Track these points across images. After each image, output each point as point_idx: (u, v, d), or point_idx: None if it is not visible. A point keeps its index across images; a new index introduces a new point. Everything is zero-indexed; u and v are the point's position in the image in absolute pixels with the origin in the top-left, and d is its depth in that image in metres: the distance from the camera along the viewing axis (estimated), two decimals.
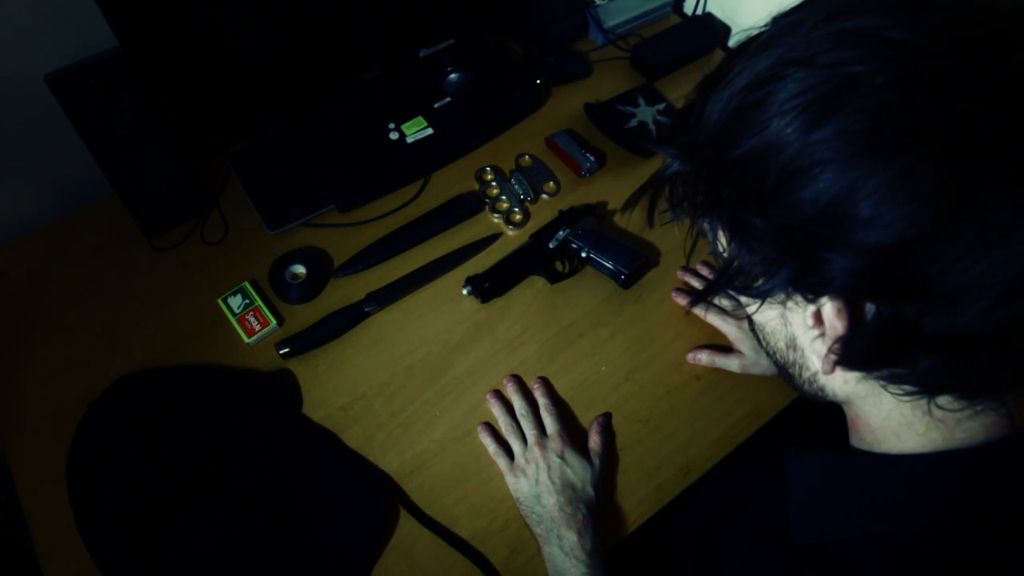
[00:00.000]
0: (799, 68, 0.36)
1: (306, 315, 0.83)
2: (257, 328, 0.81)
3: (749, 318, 0.50)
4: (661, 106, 1.05)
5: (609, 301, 0.86)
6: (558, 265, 0.88)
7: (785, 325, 0.45)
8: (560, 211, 0.91)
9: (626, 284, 0.86)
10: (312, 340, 0.80)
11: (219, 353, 0.80)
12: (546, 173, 0.97)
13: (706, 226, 0.44)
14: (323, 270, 0.87)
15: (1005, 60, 0.33)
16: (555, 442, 0.72)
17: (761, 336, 0.50)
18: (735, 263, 0.41)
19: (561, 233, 0.88)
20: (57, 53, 0.72)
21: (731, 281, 0.42)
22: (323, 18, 0.86)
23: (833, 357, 0.40)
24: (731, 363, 0.79)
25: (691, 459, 0.75)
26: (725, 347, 0.81)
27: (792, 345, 0.46)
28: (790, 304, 0.42)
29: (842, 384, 0.45)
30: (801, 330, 0.44)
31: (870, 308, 0.38)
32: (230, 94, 0.87)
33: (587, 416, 0.77)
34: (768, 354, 0.51)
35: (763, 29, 0.41)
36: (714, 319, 0.82)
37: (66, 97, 0.71)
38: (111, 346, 0.81)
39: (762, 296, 0.41)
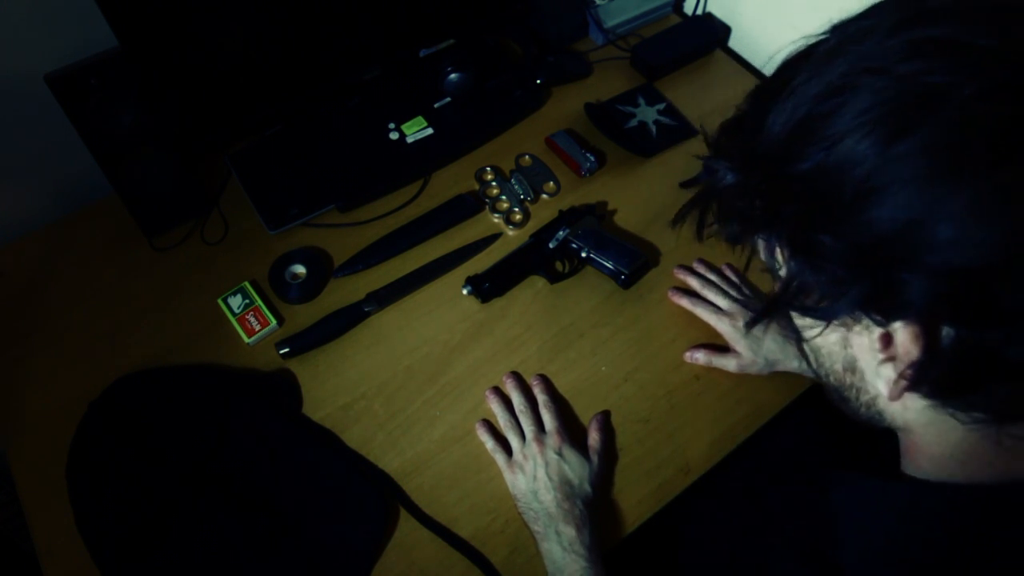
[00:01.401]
0: (875, 77, 0.33)
1: (306, 315, 0.83)
2: (257, 328, 0.81)
3: (799, 337, 0.47)
4: (661, 106, 1.05)
5: (609, 301, 0.86)
6: (558, 265, 0.88)
7: (844, 347, 0.42)
8: (560, 211, 0.91)
9: (626, 284, 0.86)
10: (312, 340, 0.80)
11: (219, 353, 0.80)
12: (546, 173, 0.97)
13: (761, 242, 0.42)
14: (323, 270, 0.87)
15: None
16: (553, 438, 0.72)
17: (813, 357, 0.47)
18: (795, 282, 0.39)
19: (561, 233, 0.88)
20: (57, 53, 0.72)
21: (791, 301, 0.40)
22: (323, 18, 0.86)
23: (904, 383, 0.38)
24: (728, 363, 0.79)
25: (691, 459, 0.75)
26: (723, 347, 0.81)
27: (851, 368, 0.43)
28: (853, 325, 0.40)
29: (903, 410, 0.42)
30: (865, 353, 0.41)
31: (948, 332, 0.35)
32: (230, 94, 0.87)
33: (587, 416, 0.77)
34: (818, 375, 0.48)
35: (822, 37, 0.39)
36: (710, 318, 0.82)
37: (66, 97, 0.71)
38: (111, 346, 0.81)
39: (828, 318, 0.39)
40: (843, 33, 0.37)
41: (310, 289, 0.85)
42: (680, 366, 0.81)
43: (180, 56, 0.78)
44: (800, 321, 0.44)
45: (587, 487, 0.69)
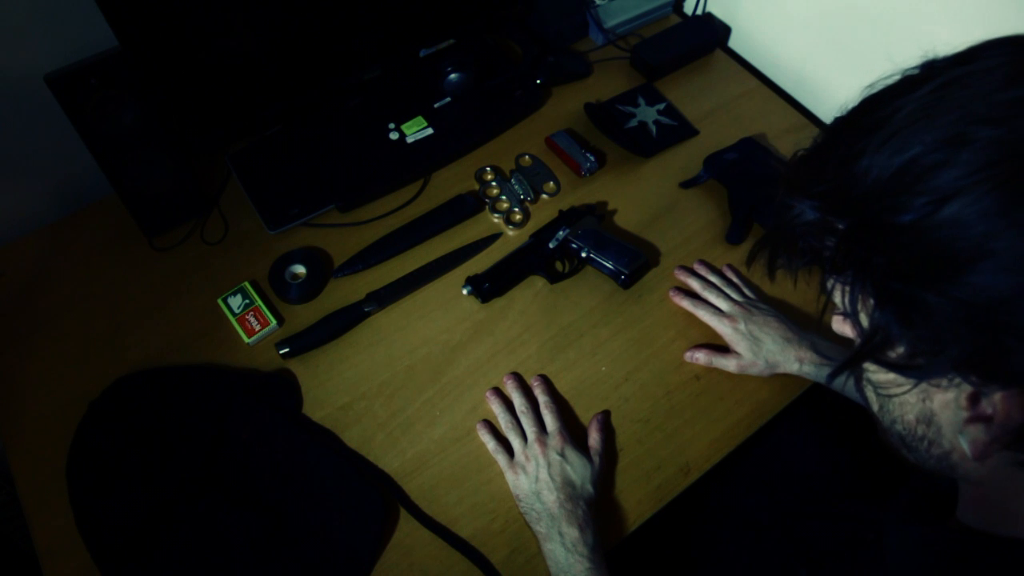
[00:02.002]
0: (992, 130, 0.32)
1: (306, 315, 0.83)
2: (257, 328, 0.81)
3: (861, 375, 0.44)
4: (661, 106, 1.05)
5: (609, 301, 0.86)
6: (558, 265, 0.88)
7: (923, 401, 0.40)
8: (560, 211, 0.91)
9: (626, 284, 0.86)
10: (312, 340, 0.80)
11: (219, 353, 0.80)
12: (546, 173, 0.97)
13: (840, 285, 0.39)
14: (323, 270, 0.87)
15: None
16: (555, 439, 0.72)
17: (880, 404, 0.44)
18: (880, 334, 0.37)
19: (561, 233, 0.88)
20: (57, 53, 0.72)
21: (874, 353, 0.38)
22: (323, 18, 0.86)
23: (998, 446, 0.36)
24: (728, 364, 0.79)
25: (691, 459, 0.75)
26: (723, 347, 0.81)
27: (927, 422, 0.41)
28: (939, 381, 0.37)
29: (982, 467, 0.40)
30: (947, 410, 0.38)
31: None
32: (230, 94, 0.87)
33: (587, 416, 0.77)
34: (884, 422, 0.45)
35: (914, 72, 0.37)
36: (711, 320, 0.82)
37: (66, 97, 0.71)
38: (111, 346, 0.81)
39: (920, 377, 0.37)
40: (947, 75, 0.35)
41: (310, 289, 0.85)
42: (680, 366, 0.81)
43: (180, 56, 0.78)
44: (881, 376, 0.41)
45: (589, 488, 0.69)
